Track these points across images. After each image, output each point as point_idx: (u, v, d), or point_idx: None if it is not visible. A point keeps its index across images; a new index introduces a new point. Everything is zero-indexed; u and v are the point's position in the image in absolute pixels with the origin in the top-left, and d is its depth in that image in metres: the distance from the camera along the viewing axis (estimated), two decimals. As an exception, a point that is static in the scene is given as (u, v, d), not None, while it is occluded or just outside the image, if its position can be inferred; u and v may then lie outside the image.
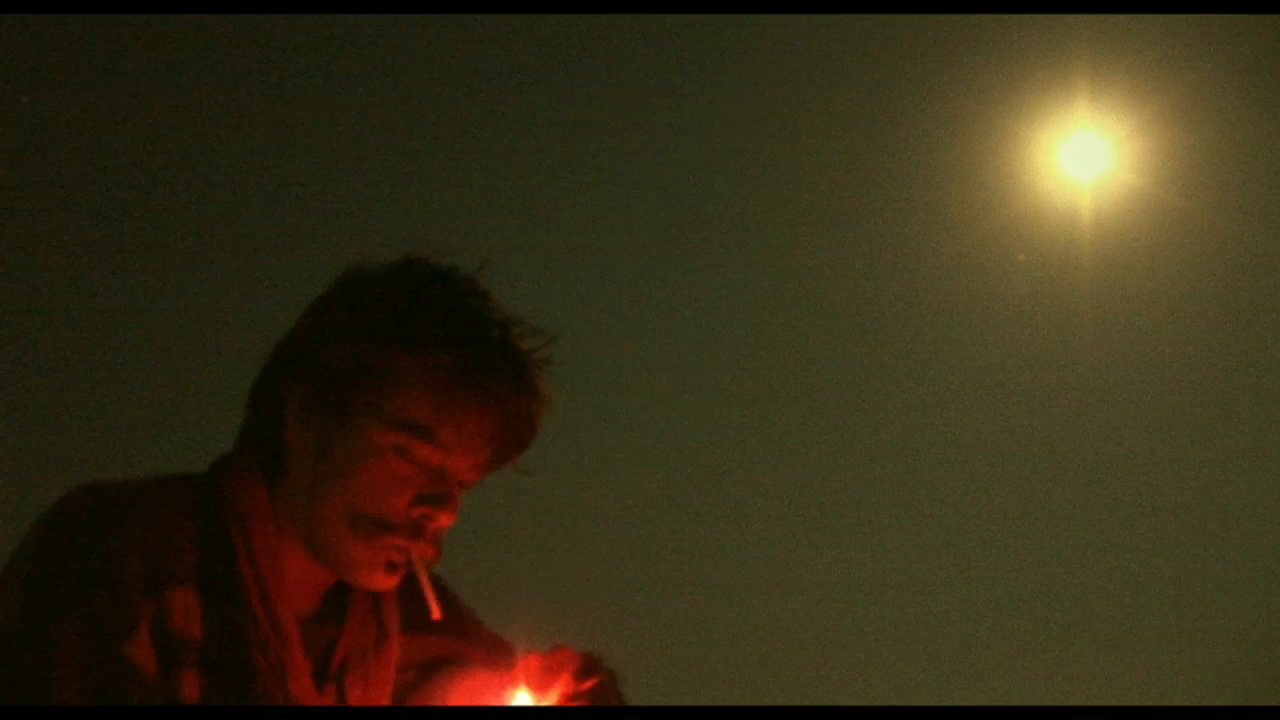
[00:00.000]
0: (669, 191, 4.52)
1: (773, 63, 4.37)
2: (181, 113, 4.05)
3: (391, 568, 1.46)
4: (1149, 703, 3.99)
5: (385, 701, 1.53)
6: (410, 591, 1.52)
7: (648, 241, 4.52)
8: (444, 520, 1.47)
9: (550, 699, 1.43)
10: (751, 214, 4.51)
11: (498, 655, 1.59)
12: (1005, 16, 4.09)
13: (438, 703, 1.53)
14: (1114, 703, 4.03)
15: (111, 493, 1.38)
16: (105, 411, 3.93)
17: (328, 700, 1.48)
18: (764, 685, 4.26)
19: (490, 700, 1.49)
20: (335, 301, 1.51)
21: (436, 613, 1.48)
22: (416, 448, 1.44)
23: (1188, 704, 3.95)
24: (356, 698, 1.51)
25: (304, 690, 1.43)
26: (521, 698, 1.44)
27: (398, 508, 1.44)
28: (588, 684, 1.45)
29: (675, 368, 4.53)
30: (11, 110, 3.91)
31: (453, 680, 1.54)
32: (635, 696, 1.58)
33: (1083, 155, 4.29)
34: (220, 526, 1.42)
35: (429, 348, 1.45)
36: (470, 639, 1.64)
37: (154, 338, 4.00)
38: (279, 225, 4.21)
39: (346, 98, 4.23)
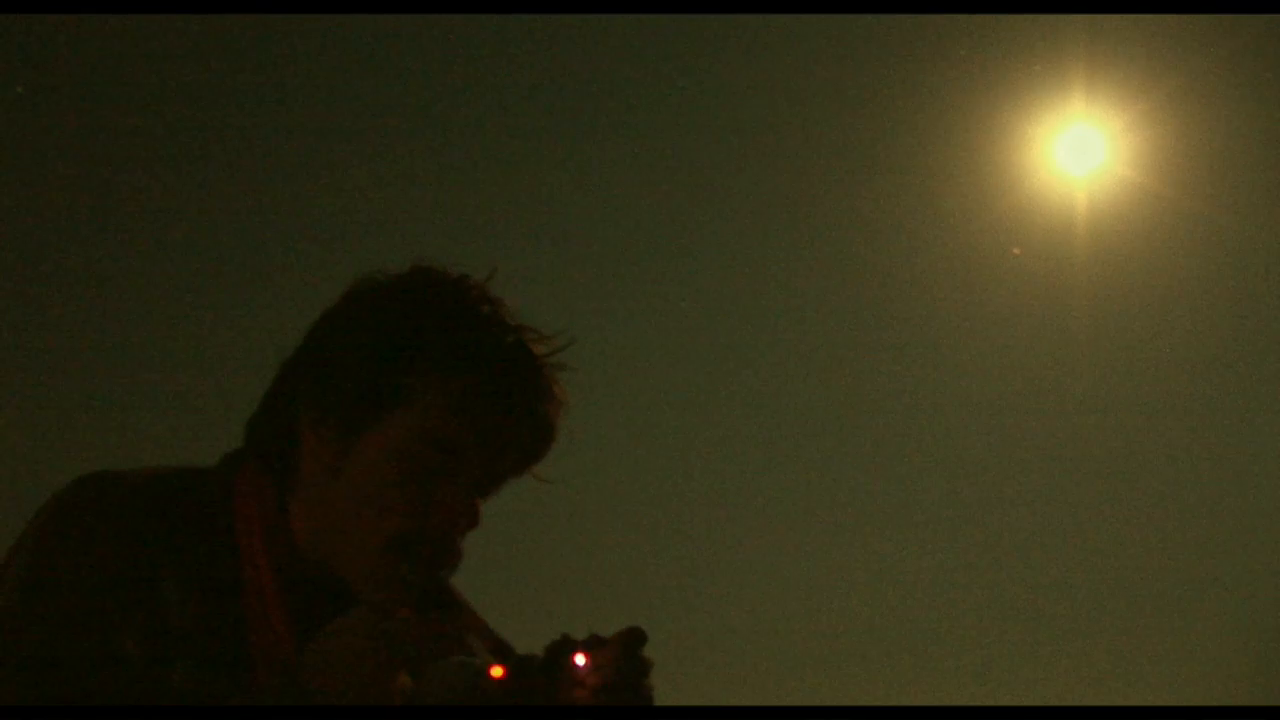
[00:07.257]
0: (662, 189, 4.52)
1: (770, 61, 4.37)
2: (183, 111, 4.05)
3: (407, 586, 1.43)
4: (1149, 703, 4.01)
5: None
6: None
7: (642, 240, 4.53)
8: (465, 529, 1.44)
9: (600, 661, 1.43)
10: (747, 210, 4.51)
11: (495, 651, 1.58)
12: (1001, 13, 4.10)
13: (435, 685, 1.53)
14: (1114, 703, 4.05)
15: (114, 483, 1.37)
16: (103, 406, 3.93)
17: None
18: (764, 685, 4.26)
19: (485, 684, 1.48)
20: (347, 318, 1.48)
21: (474, 621, 1.45)
22: (435, 460, 1.41)
23: (1188, 704, 3.96)
24: None
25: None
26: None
27: (419, 522, 1.42)
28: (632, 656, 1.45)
29: (669, 366, 4.53)
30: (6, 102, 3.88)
31: (449, 665, 1.53)
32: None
33: (1078, 149, 4.30)
34: (225, 524, 1.41)
35: (445, 360, 1.42)
36: (470, 633, 1.63)
37: (153, 332, 4.00)
38: (275, 219, 4.22)
39: (346, 97, 4.24)
